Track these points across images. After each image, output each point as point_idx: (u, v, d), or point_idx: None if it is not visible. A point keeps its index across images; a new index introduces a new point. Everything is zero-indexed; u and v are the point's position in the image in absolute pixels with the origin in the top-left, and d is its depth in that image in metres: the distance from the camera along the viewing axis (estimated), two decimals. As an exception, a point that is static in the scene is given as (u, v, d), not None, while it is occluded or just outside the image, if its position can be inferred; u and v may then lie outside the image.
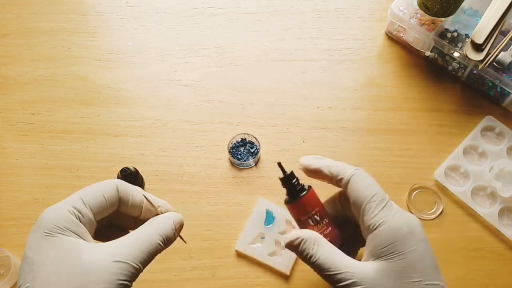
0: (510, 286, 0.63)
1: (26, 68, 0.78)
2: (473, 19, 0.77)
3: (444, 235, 0.65)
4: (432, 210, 0.67)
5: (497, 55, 0.71)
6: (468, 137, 0.71)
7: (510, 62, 0.72)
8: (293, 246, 0.47)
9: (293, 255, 0.63)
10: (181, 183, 0.69)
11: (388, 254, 0.45)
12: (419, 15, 0.78)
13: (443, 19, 0.76)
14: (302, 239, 0.47)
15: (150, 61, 0.79)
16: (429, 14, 0.75)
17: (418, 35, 0.75)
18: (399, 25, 0.78)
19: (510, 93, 0.71)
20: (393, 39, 0.81)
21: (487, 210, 0.66)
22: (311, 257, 0.46)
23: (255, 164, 0.70)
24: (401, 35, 0.80)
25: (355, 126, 0.73)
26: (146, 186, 0.69)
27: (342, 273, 0.44)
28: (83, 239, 0.42)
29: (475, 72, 0.74)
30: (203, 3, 0.85)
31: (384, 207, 0.47)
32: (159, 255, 0.65)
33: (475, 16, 0.77)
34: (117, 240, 0.43)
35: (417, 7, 0.77)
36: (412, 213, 0.67)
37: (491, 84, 0.74)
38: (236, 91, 0.76)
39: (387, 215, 0.46)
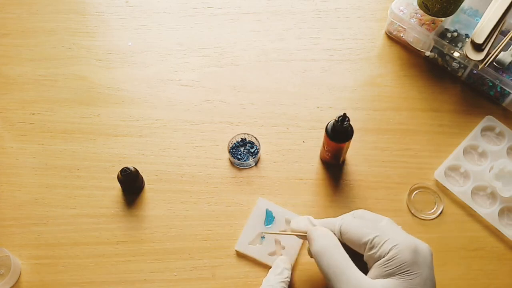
0: (510, 286, 0.63)
1: (26, 68, 0.78)
2: (473, 19, 0.77)
3: (444, 235, 0.65)
4: (432, 210, 0.67)
5: (497, 55, 0.71)
6: (468, 137, 0.71)
7: (510, 62, 0.72)
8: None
9: (293, 255, 0.63)
10: (181, 183, 0.69)
11: (397, 273, 0.48)
12: (419, 15, 0.78)
13: (443, 19, 0.76)
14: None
15: (150, 61, 0.79)
16: (429, 14, 0.75)
17: (418, 35, 0.75)
18: (399, 25, 0.78)
19: (510, 93, 0.71)
20: (393, 39, 0.81)
21: (487, 210, 0.66)
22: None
23: (255, 164, 0.70)
24: (401, 35, 0.80)
25: (355, 126, 0.72)
26: (146, 186, 0.69)
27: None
28: None
29: (475, 72, 0.74)
30: (203, 3, 0.85)
31: (388, 238, 0.50)
32: (158, 255, 0.65)
33: (475, 16, 0.77)
34: None
35: (417, 7, 0.77)
36: (412, 213, 0.67)
37: (491, 84, 0.74)
38: (236, 91, 0.76)
39: (394, 241, 0.49)
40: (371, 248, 0.50)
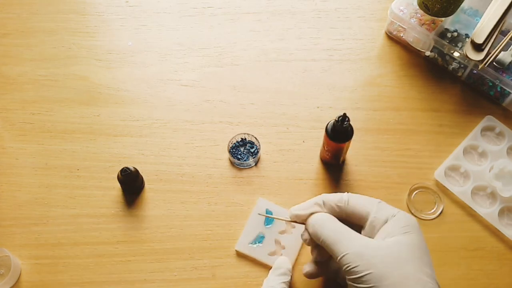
0: (510, 286, 0.63)
1: (26, 68, 0.78)
2: (473, 19, 0.77)
3: (444, 235, 0.65)
4: (432, 210, 0.67)
5: (497, 55, 0.71)
6: (468, 137, 0.71)
7: (510, 62, 0.72)
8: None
9: (293, 255, 0.63)
10: (181, 183, 0.69)
11: (406, 232, 0.50)
12: (419, 15, 0.78)
13: (443, 19, 0.76)
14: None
15: (150, 61, 0.79)
16: (429, 14, 0.75)
17: (418, 35, 0.75)
18: (399, 25, 0.78)
19: (510, 93, 0.71)
20: (393, 39, 0.81)
21: (487, 210, 0.66)
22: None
23: (255, 164, 0.70)
24: (401, 35, 0.80)
25: (355, 126, 0.72)
26: (146, 186, 0.69)
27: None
28: None
29: (475, 72, 0.74)
30: (203, 3, 0.85)
31: (389, 206, 0.54)
32: (158, 255, 0.65)
33: (475, 16, 0.77)
34: None
35: (417, 7, 0.77)
36: (412, 213, 0.67)
37: (491, 84, 0.74)
38: (236, 91, 0.76)
39: (395, 209, 0.54)
40: (378, 211, 0.52)
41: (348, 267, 0.48)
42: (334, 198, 0.55)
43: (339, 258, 0.49)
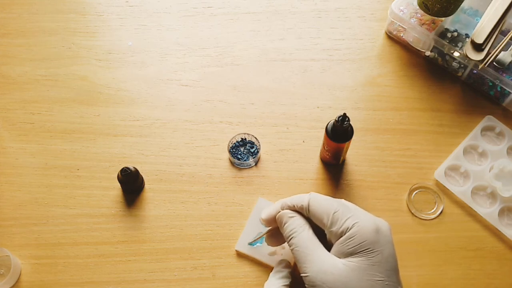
0: (510, 286, 0.63)
1: (26, 68, 0.78)
2: (473, 19, 0.77)
3: (444, 235, 0.65)
4: (432, 210, 0.67)
5: (497, 55, 0.71)
6: (468, 137, 0.71)
7: (510, 62, 0.72)
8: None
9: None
10: (181, 183, 0.69)
11: (357, 252, 0.48)
12: (419, 15, 0.78)
13: (443, 18, 0.76)
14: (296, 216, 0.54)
15: (150, 61, 0.79)
16: (429, 14, 0.75)
17: (418, 35, 0.75)
18: (399, 25, 0.78)
19: (510, 93, 0.71)
20: (393, 39, 0.81)
21: (487, 210, 0.66)
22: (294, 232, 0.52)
23: (255, 164, 0.70)
24: (401, 35, 0.80)
25: (355, 126, 0.72)
26: (146, 186, 0.69)
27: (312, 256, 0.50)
28: None
29: (475, 72, 0.74)
30: (203, 3, 0.85)
31: (351, 214, 0.50)
32: (157, 255, 0.65)
33: (475, 16, 0.77)
34: None
35: (417, 7, 0.77)
36: (412, 213, 0.67)
37: (491, 84, 0.74)
38: (236, 91, 0.76)
39: (356, 218, 0.50)
40: (333, 224, 0.50)
41: (307, 286, 0.50)
42: (296, 203, 0.54)
43: (302, 276, 0.51)
